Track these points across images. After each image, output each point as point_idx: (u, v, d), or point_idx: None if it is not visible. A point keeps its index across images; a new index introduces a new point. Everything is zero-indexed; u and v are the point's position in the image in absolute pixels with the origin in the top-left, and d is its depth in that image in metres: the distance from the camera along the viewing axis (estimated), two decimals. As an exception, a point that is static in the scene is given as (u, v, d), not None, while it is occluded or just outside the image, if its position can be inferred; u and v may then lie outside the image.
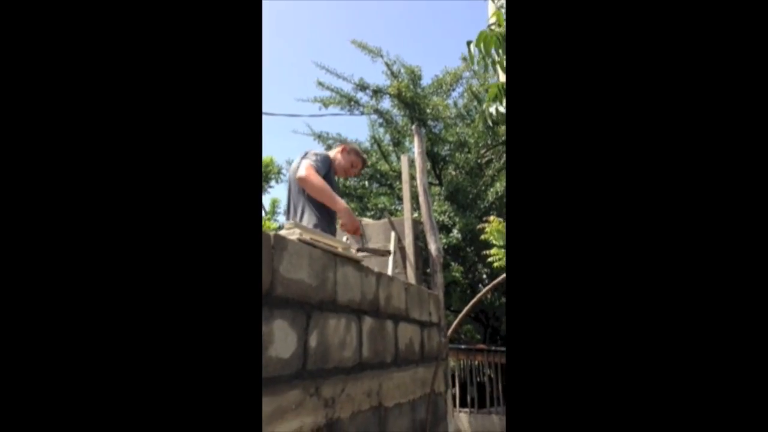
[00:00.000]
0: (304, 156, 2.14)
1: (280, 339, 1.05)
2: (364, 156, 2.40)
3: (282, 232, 1.26)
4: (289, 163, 8.20)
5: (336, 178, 2.40)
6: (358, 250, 1.93)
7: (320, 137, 7.78)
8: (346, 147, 2.31)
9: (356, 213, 7.16)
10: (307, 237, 1.28)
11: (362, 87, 7.14)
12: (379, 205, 6.93)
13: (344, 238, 1.71)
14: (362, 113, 7.40)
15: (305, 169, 1.99)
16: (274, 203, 7.96)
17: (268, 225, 6.48)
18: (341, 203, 2.02)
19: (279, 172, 7.53)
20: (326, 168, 2.12)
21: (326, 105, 7.30)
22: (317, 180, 1.96)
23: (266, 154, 8.08)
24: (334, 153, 2.31)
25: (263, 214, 7.37)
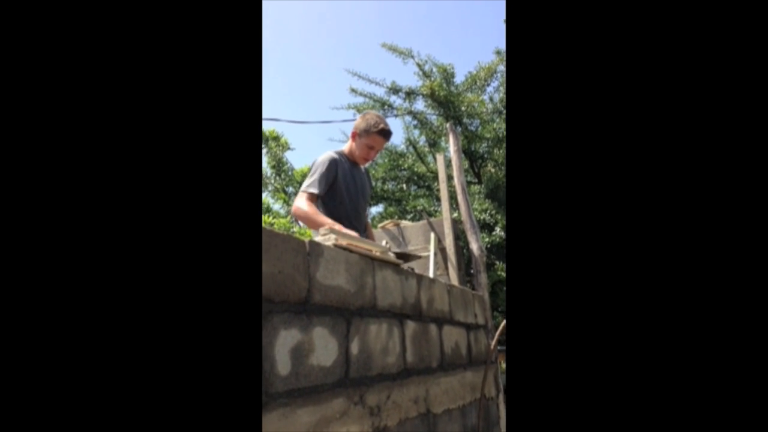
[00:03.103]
0: (311, 168, 1.99)
1: (321, 347, 1.03)
2: (378, 123, 1.96)
3: (317, 239, 1.25)
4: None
5: (363, 167, 2.15)
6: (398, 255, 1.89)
7: (356, 143, 7.82)
8: (354, 131, 2.03)
9: (395, 216, 7.13)
10: (343, 242, 1.26)
11: (395, 90, 7.13)
12: (418, 207, 6.87)
13: (383, 242, 1.67)
14: (396, 116, 7.38)
15: (294, 204, 1.85)
16: (315, 211, 8.07)
17: (309, 234, 6.57)
18: (324, 222, 1.75)
19: (317, 181, 7.63)
20: (331, 176, 1.91)
21: (359, 111, 7.34)
22: (301, 213, 1.79)
23: (303, 163, 8.21)
24: (346, 145, 2.10)
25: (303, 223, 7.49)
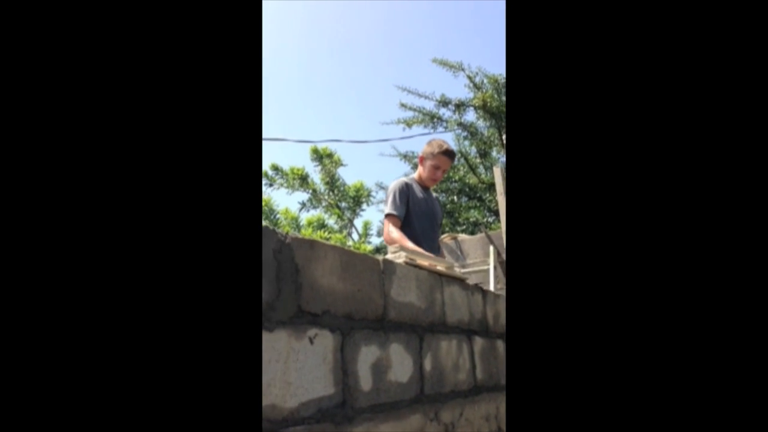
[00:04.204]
0: (386, 193, 2.14)
1: (398, 363, 1.06)
2: (441, 145, 2.13)
3: (389, 256, 1.28)
4: (379, 185, 8.40)
5: (431, 189, 2.27)
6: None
7: (406, 157, 7.90)
8: (421, 157, 2.20)
9: (447, 229, 7.08)
10: (414, 259, 1.28)
11: (444, 103, 7.14)
12: (471, 219, 6.79)
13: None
14: (445, 128, 7.39)
15: (384, 231, 2.01)
16: (366, 225, 8.18)
17: (364, 248, 6.66)
18: (414, 249, 1.82)
19: (369, 195, 7.75)
20: (404, 202, 2.04)
21: (410, 125, 7.41)
22: (391, 240, 1.91)
23: (356, 179, 8.36)
24: (417, 171, 2.24)
25: (356, 236, 7.61)
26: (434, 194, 2.33)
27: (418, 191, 2.13)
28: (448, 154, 2.12)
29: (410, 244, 1.83)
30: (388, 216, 1.98)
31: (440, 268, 1.41)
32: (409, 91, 7.25)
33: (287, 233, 0.87)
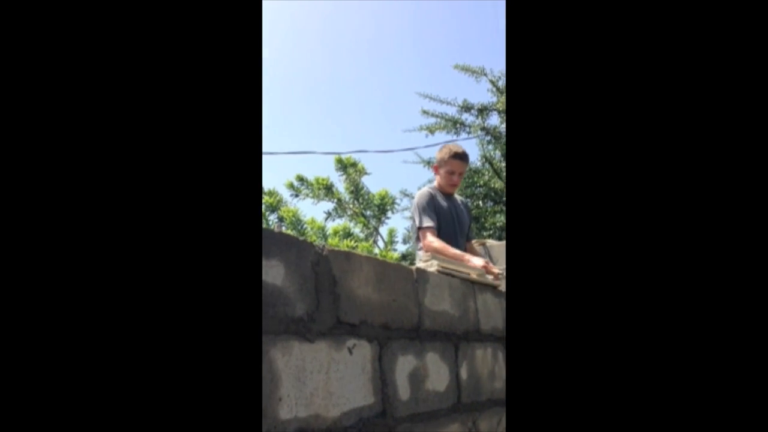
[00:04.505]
0: (412, 216, 2.14)
1: (434, 372, 1.06)
2: (452, 149, 2.12)
3: (420, 265, 1.29)
4: (403, 192, 8.43)
5: (459, 200, 2.27)
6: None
7: (429, 164, 7.88)
8: (435, 166, 2.19)
9: (473, 234, 6.99)
10: (446, 267, 1.29)
11: (467, 108, 7.11)
12: (497, 224, 6.72)
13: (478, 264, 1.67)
14: (469, 134, 7.35)
15: (424, 243, 1.97)
16: (392, 233, 8.20)
17: (390, 255, 6.66)
18: (456, 255, 1.85)
19: (393, 203, 7.77)
20: (433, 211, 2.05)
21: (432, 131, 7.40)
22: (434, 249, 1.85)
23: (380, 187, 8.38)
24: (436, 180, 2.23)
25: (382, 244, 7.62)
26: (461, 198, 2.30)
27: (441, 199, 2.13)
28: (460, 156, 2.09)
29: (454, 251, 1.84)
30: (423, 229, 1.99)
31: (473, 275, 1.41)
32: (430, 98, 7.24)
33: (324, 246, 0.89)
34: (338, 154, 7.48)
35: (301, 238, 0.85)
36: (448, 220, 2.10)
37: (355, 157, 7.51)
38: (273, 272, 0.76)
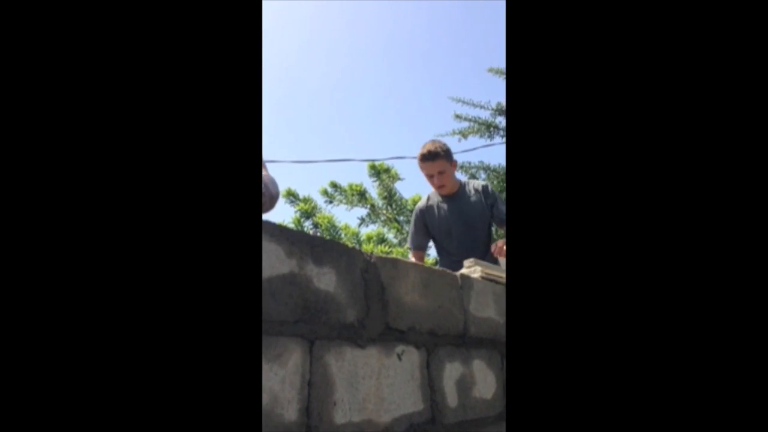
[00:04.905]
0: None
1: (481, 379, 1.05)
2: (419, 154, 2.05)
3: (464, 271, 1.28)
4: (435, 197, 8.34)
5: (444, 197, 2.13)
6: None
7: (462, 168, 7.82)
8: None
9: (502, 214, 6.84)
10: (489, 273, 1.28)
11: (500, 111, 7.03)
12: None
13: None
14: (503, 137, 7.25)
15: None
16: (425, 238, 8.16)
17: (425, 260, 6.64)
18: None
19: (427, 208, 7.73)
20: (418, 228, 2.11)
21: (465, 136, 7.34)
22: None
23: (413, 192, 8.37)
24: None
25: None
26: (478, 183, 2.18)
27: (436, 207, 2.09)
28: (423, 158, 2.00)
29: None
30: (411, 250, 2.16)
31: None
32: (463, 102, 7.20)
33: (372, 253, 0.91)
34: (376, 160, 7.52)
35: (351, 246, 0.87)
36: (442, 227, 2.07)
37: (392, 163, 7.53)
38: (325, 279, 0.78)
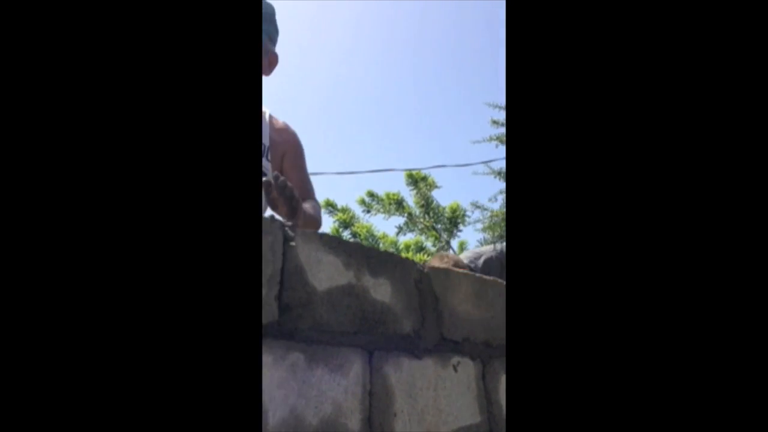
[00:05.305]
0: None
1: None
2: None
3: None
4: (475, 204, 8.32)
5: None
6: None
7: (499, 174, 7.71)
8: None
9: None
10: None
11: (538, 116, 6.89)
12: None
13: None
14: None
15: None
16: (462, 246, 8.08)
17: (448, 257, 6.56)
18: None
19: (464, 215, 7.67)
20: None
21: (502, 141, 7.25)
22: None
23: (451, 200, 8.33)
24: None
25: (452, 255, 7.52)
26: None
27: None
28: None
29: None
30: None
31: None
32: (500, 107, 7.12)
33: (424, 263, 0.91)
34: (418, 170, 7.54)
35: (404, 256, 0.87)
36: None
37: (433, 172, 7.54)
38: (381, 290, 0.79)
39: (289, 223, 0.74)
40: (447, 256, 2.08)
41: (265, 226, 0.67)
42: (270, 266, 0.66)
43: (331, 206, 6.85)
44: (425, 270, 0.89)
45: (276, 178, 1.04)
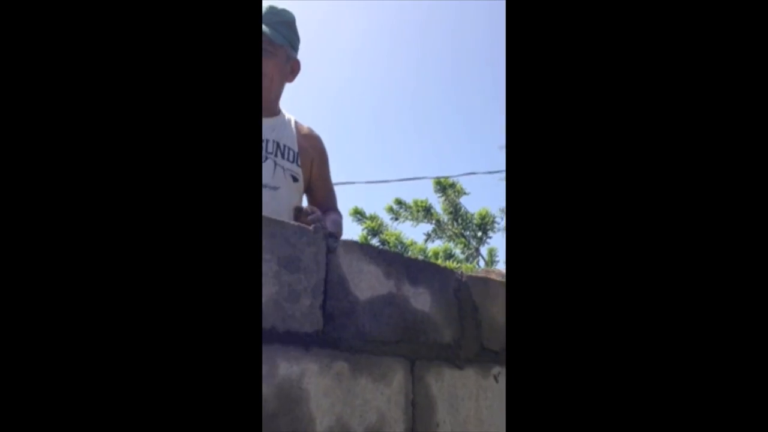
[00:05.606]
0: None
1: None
2: None
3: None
4: (502, 210, 8.22)
5: None
6: None
7: (530, 179, 7.57)
8: None
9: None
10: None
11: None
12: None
13: None
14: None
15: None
16: (492, 252, 7.98)
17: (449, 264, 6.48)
18: None
19: (493, 222, 7.58)
20: None
21: (532, 146, 7.14)
22: None
23: (477, 205, 8.25)
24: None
25: (483, 264, 7.43)
26: None
27: None
28: None
29: None
30: None
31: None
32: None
33: (462, 272, 0.91)
34: (448, 177, 7.52)
35: (443, 265, 0.87)
36: None
37: (462, 179, 7.51)
38: (421, 299, 0.79)
39: (331, 233, 0.75)
40: (493, 272, 2.04)
41: (308, 237, 0.69)
42: (314, 276, 0.68)
43: (359, 214, 6.89)
44: (464, 279, 0.89)
45: (316, 220, 1.09)
